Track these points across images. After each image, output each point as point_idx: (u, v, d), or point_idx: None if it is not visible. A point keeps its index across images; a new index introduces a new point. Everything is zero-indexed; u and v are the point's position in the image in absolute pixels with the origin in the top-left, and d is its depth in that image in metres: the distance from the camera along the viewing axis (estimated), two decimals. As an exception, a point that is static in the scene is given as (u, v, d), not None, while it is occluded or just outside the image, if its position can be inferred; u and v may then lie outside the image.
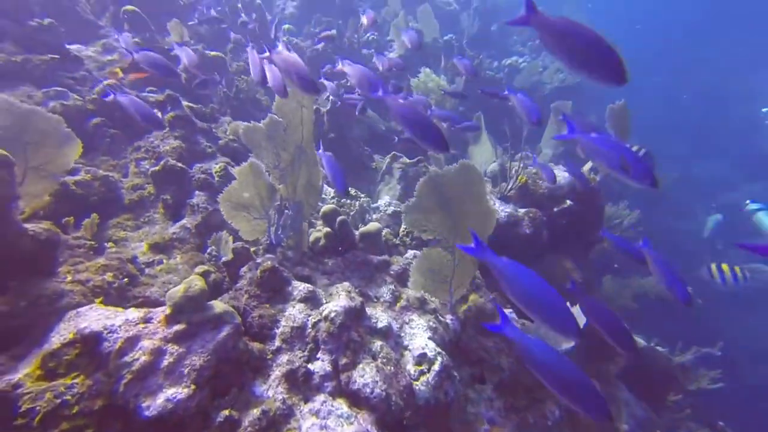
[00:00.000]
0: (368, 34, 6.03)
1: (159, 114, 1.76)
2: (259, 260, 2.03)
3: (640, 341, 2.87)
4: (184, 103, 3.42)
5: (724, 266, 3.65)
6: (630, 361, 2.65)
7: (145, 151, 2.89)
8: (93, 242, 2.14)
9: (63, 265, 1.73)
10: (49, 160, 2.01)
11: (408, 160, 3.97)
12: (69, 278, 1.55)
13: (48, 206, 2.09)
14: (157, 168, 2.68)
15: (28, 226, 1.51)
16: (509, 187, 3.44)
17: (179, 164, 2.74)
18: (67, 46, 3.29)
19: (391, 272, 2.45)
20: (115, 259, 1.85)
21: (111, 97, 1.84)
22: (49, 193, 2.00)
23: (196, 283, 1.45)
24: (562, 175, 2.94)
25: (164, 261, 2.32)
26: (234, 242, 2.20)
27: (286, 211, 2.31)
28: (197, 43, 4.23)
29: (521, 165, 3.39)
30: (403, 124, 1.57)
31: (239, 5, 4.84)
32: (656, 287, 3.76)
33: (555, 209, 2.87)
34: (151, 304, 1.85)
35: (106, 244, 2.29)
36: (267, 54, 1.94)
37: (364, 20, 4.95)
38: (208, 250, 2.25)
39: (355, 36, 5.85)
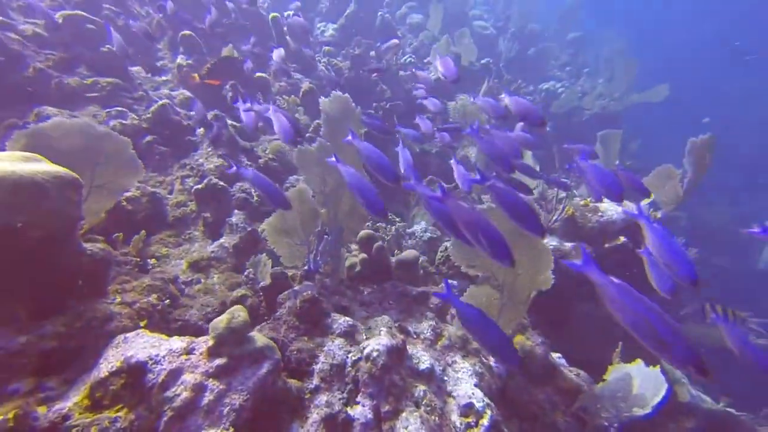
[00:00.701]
0: (406, 57, 6.11)
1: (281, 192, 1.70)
2: (297, 287, 1.98)
3: (707, 399, 2.56)
4: (229, 121, 3.53)
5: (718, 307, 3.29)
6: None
7: (190, 169, 2.97)
8: (138, 259, 2.18)
9: (112, 283, 1.74)
10: (113, 180, 2.07)
11: (444, 185, 3.88)
12: (118, 299, 1.55)
13: (102, 222, 2.15)
14: (200, 186, 2.74)
15: (86, 245, 1.53)
16: (554, 218, 3.27)
17: (221, 183, 2.79)
18: (130, 68, 3.50)
19: (431, 305, 2.34)
20: (159, 279, 1.85)
21: (233, 170, 1.82)
22: (106, 210, 2.06)
23: (240, 314, 1.41)
24: (614, 209, 2.75)
25: (202, 280, 2.32)
26: (272, 266, 2.16)
27: (326, 236, 2.27)
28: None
29: (565, 195, 3.22)
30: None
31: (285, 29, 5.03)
32: (719, 338, 3.39)
33: (606, 245, 2.68)
34: (191, 328, 1.83)
35: (149, 260, 2.33)
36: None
37: (392, 44, 5.05)
38: (246, 273, 2.23)
39: (393, 58, 5.94)
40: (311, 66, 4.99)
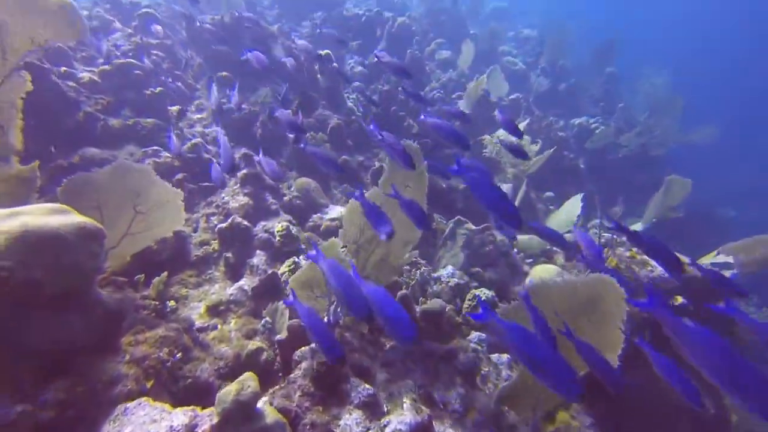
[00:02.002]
0: (434, 92, 6.14)
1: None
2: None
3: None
4: (255, 157, 3.58)
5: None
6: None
7: (216, 207, 2.98)
8: (157, 303, 2.12)
9: (127, 333, 1.67)
10: (150, 228, 2.06)
11: (473, 227, 3.70)
12: (127, 357, 1.46)
13: (126, 264, 2.14)
14: (224, 225, 2.72)
15: (103, 292, 1.48)
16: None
17: (244, 222, 2.76)
18: (169, 108, 3.68)
19: (459, 366, 2.11)
20: (173, 329, 1.77)
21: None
22: (133, 254, 2.04)
23: (249, 384, 1.28)
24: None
25: (219, 326, 2.23)
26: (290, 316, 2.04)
27: (349, 285, 2.14)
28: (275, 101, 4.53)
29: (613, 240, 2.95)
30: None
31: (316, 67, 5.20)
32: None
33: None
34: (200, 386, 1.71)
35: (168, 303, 2.28)
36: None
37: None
38: (263, 322, 2.12)
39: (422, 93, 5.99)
40: (341, 101, 5.08)
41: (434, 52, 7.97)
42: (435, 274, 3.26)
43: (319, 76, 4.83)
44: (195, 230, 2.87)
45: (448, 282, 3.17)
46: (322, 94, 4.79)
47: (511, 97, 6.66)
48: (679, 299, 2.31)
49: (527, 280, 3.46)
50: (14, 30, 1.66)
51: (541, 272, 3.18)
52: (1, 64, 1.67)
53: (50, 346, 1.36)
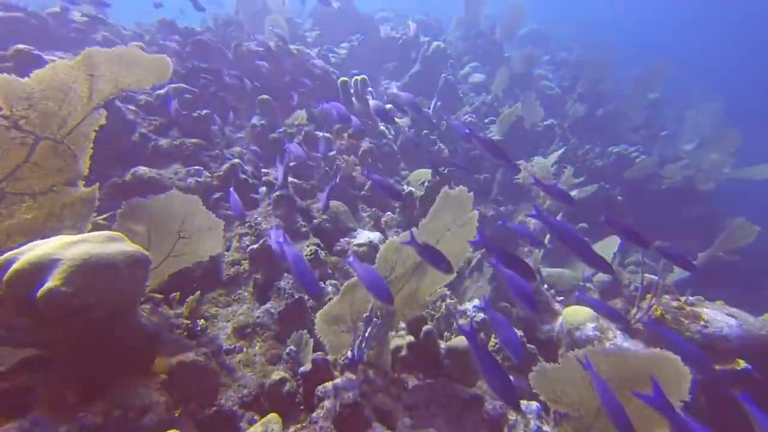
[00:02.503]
0: (466, 116, 6.13)
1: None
2: (338, 381, 1.82)
3: None
4: (289, 178, 3.69)
5: None
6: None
7: (249, 227, 3.08)
8: (189, 322, 2.20)
9: (162, 353, 1.73)
10: (190, 252, 2.17)
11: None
12: (160, 383, 1.51)
13: (164, 282, 2.24)
14: (255, 246, 2.79)
15: (143, 316, 1.55)
16: (635, 314, 2.80)
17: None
18: (213, 127, 3.90)
19: (485, 415, 2.02)
20: (203, 354, 1.82)
21: (274, 245, 1.92)
22: (171, 273, 2.14)
23: (273, 427, 1.27)
24: (723, 319, 2.25)
25: (245, 349, 2.27)
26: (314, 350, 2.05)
27: (376, 320, 2.13)
28: (309, 124, 4.68)
29: (658, 284, 2.77)
30: None
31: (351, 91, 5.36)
32: None
33: (717, 368, 2.17)
34: (224, 416, 1.74)
35: (198, 321, 2.35)
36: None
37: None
38: (288, 350, 2.14)
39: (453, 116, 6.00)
40: (372, 125, 5.17)
41: (468, 75, 8.01)
42: (461, 307, 3.18)
43: (354, 99, 4.96)
44: (228, 249, 2.97)
45: (474, 317, 3.08)
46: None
47: (546, 123, 6.53)
48: (741, 363, 2.10)
49: (558, 321, 3.30)
50: (104, 77, 1.83)
51: (574, 315, 3.02)
52: (87, 104, 1.83)
53: (93, 367, 1.43)
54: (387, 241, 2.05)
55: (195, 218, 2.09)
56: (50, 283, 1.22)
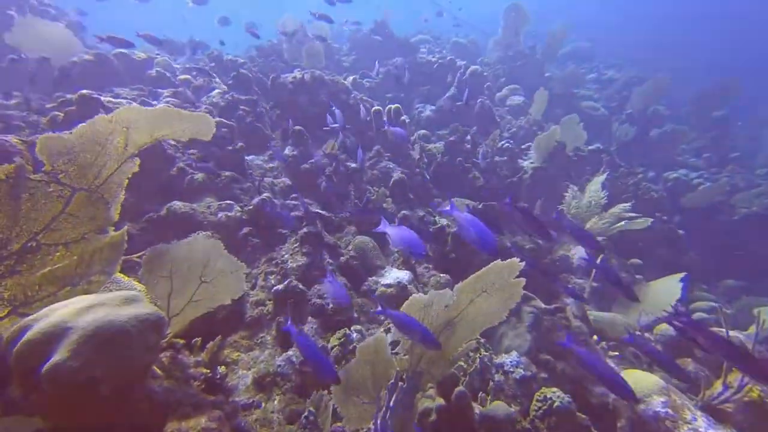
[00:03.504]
0: (503, 142, 5.86)
1: None
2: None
3: None
4: (317, 210, 3.64)
5: None
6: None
7: (275, 264, 3.03)
8: (208, 371, 2.14)
9: (172, 415, 1.66)
10: (212, 297, 2.13)
11: (543, 305, 3.27)
12: (165, 456, 1.42)
13: (185, 327, 2.21)
14: (280, 287, 2.72)
15: (155, 385, 1.48)
16: (724, 396, 2.34)
17: (300, 286, 2.74)
18: (246, 158, 3.99)
19: None
20: (216, 419, 1.72)
21: (286, 325, 1.90)
22: (192, 319, 2.10)
23: None
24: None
25: (263, 404, 2.16)
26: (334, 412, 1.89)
27: (401, 384, 1.94)
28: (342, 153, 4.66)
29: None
30: None
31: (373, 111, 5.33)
32: None
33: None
34: (232, 492, 1.62)
35: (218, 368, 2.29)
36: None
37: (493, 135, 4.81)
38: (306, 413, 2.00)
39: (490, 143, 5.76)
40: (405, 152, 5.06)
41: (506, 98, 7.74)
42: (497, 360, 2.89)
43: (387, 127, 4.90)
44: (254, 287, 2.93)
45: (512, 373, 2.77)
46: (388, 145, 4.82)
47: (591, 147, 6.09)
48: None
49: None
50: (139, 129, 1.86)
51: (636, 382, 2.59)
52: (123, 153, 1.86)
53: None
54: (411, 299, 1.87)
55: (217, 262, 2.05)
56: (57, 356, 1.18)
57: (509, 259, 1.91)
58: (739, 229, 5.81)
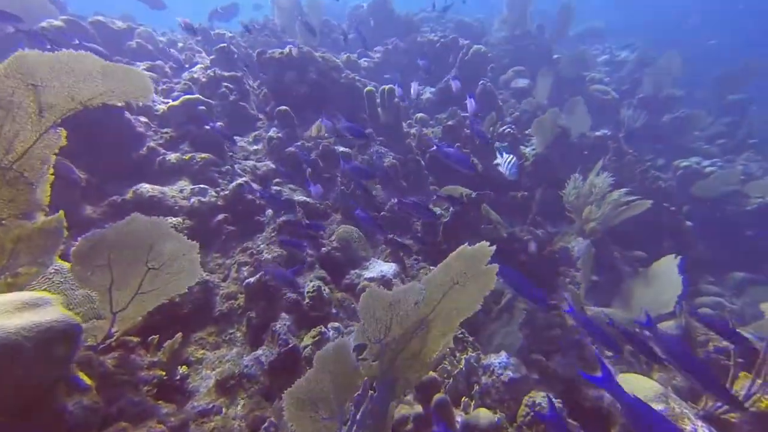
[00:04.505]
0: (505, 128, 5.53)
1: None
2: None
3: None
4: (302, 198, 3.40)
5: None
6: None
7: (250, 255, 2.82)
8: (164, 374, 1.95)
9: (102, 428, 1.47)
10: (164, 285, 1.91)
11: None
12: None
13: (138, 324, 2.01)
14: (252, 280, 2.52)
15: (70, 404, 1.29)
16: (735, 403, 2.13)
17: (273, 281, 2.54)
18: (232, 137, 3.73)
19: None
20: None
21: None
22: (143, 315, 1.90)
23: None
24: None
25: (224, 410, 1.98)
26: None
27: (371, 393, 1.74)
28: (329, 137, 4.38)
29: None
30: None
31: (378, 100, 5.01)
32: None
33: None
34: None
35: (179, 369, 2.11)
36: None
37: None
38: (265, 425, 1.81)
39: (491, 129, 5.44)
40: (400, 137, 4.77)
41: (511, 81, 7.33)
42: (485, 361, 2.69)
43: (379, 110, 4.60)
44: (226, 278, 2.73)
45: (502, 376, 2.58)
46: (381, 128, 4.54)
47: (597, 134, 5.74)
48: None
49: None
50: (52, 87, 1.60)
51: (634, 391, 2.40)
52: (38, 120, 1.60)
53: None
54: (371, 293, 1.64)
55: (164, 244, 1.82)
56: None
57: (477, 244, 1.69)
58: (751, 220, 5.51)
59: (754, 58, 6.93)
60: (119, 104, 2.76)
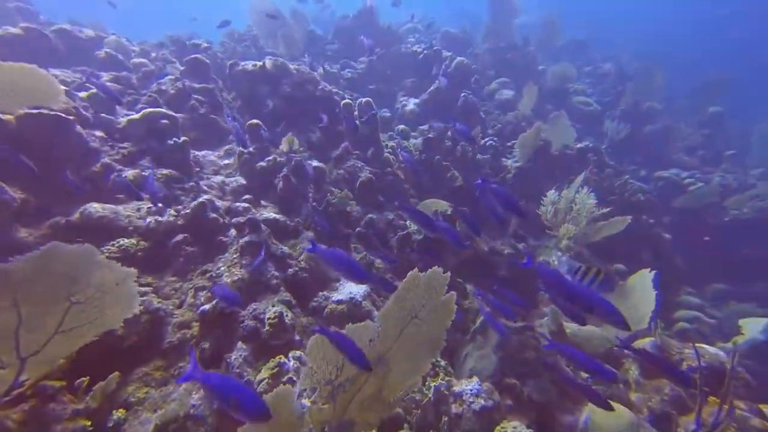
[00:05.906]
0: (486, 140, 5.47)
1: None
2: None
3: None
4: (270, 215, 3.24)
5: None
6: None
7: (209, 278, 2.64)
8: (90, 424, 1.75)
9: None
10: (91, 320, 1.73)
11: (512, 323, 2.92)
12: None
13: (65, 365, 1.82)
14: (208, 308, 2.34)
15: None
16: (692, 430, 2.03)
17: (229, 308, 2.36)
18: (194, 153, 3.56)
19: None
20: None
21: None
22: (68, 355, 1.71)
23: None
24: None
25: (161, 460, 1.79)
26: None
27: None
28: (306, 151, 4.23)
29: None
30: None
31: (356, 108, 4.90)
32: None
33: None
34: None
35: (113, 414, 1.91)
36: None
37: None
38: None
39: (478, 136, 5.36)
40: (378, 151, 4.65)
41: (495, 92, 7.31)
42: (456, 389, 2.53)
43: (358, 122, 4.48)
44: (181, 305, 2.54)
45: (472, 404, 2.42)
46: (358, 141, 4.41)
47: (579, 145, 5.71)
48: None
49: (584, 415, 2.56)
50: None
51: (606, 418, 2.28)
52: None
53: None
54: (313, 338, 1.49)
55: (92, 274, 1.64)
56: None
57: (429, 270, 1.56)
58: (730, 233, 5.51)
59: (726, 68, 7.06)
60: (70, 117, 2.55)
